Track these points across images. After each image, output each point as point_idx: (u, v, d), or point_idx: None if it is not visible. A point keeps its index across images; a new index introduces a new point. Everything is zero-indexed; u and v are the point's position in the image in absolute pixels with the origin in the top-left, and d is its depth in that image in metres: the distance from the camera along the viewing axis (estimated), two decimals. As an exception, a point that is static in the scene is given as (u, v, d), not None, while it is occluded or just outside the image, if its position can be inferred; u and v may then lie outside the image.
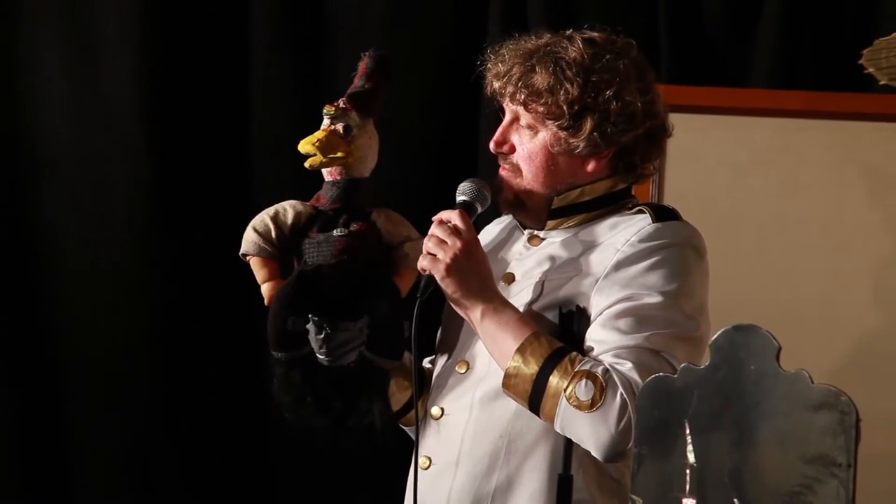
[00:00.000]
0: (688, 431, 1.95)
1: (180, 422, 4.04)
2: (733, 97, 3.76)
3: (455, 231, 2.54)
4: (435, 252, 2.53)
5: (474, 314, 2.54)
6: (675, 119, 3.69)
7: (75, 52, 4.04)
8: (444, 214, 2.57)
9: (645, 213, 2.61)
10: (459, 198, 2.62)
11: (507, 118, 2.66)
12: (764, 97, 3.77)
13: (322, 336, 2.53)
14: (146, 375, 4.02)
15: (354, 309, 2.55)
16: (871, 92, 3.64)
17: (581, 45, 2.60)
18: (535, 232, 2.69)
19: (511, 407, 2.56)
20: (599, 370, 2.44)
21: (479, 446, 2.59)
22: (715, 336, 1.95)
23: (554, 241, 2.66)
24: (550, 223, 2.67)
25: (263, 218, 2.60)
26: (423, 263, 2.54)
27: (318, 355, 2.55)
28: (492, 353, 2.55)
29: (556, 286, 2.59)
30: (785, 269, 3.71)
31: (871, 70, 3.11)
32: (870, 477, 2.33)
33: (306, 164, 2.58)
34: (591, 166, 2.63)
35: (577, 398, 2.43)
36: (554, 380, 2.45)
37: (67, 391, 4.05)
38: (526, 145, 2.63)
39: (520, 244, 2.71)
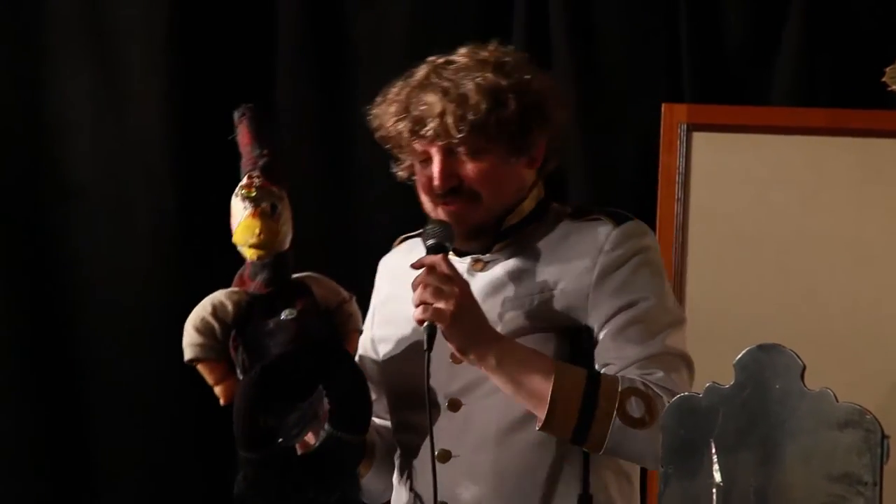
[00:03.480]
0: (714, 451, 1.96)
1: (205, 441, 4.05)
2: (755, 115, 3.77)
3: (448, 277, 2.46)
4: (433, 301, 2.44)
5: (488, 360, 2.47)
6: (698, 137, 3.73)
7: (101, 79, 4.06)
8: (428, 260, 2.49)
9: (602, 220, 2.60)
10: (430, 241, 2.53)
11: (441, 155, 2.55)
12: (786, 115, 3.77)
13: (276, 421, 2.45)
14: (171, 400, 4.02)
15: (307, 387, 2.46)
16: (894, 109, 3.65)
17: (479, 60, 2.57)
18: (479, 257, 2.62)
19: (530, 440, 2.52)
20: (640, 385, 2.45)
21: (508, 482, 2.54)
22: (740, 355, 1.96)
23: (501, 261, 2.61)
24: (498, 245, 2.62)
25: (202, 316, 2.50)
26: (422, 315, 2.44)
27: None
28: (516, 394, 2.48)
29: (532, 305, 2.56)
30: (808, 286, 3.71)
31: (893, 87, 3.12)
32: (896, 495, 2.34)
33: (253, 258, 2.47)
34: (533, 164, 2.61)
35: (631, 417, 2.43)
36: (601, 406, 2.44)
37: (93, 413, 4.06)
38: (477, 170, 2.55)
39: (462, 273, 2.58)
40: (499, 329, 2.53)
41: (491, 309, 2.56)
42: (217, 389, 2.50)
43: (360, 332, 2.61)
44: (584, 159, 3.97)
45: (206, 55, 4.05)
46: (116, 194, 4.05)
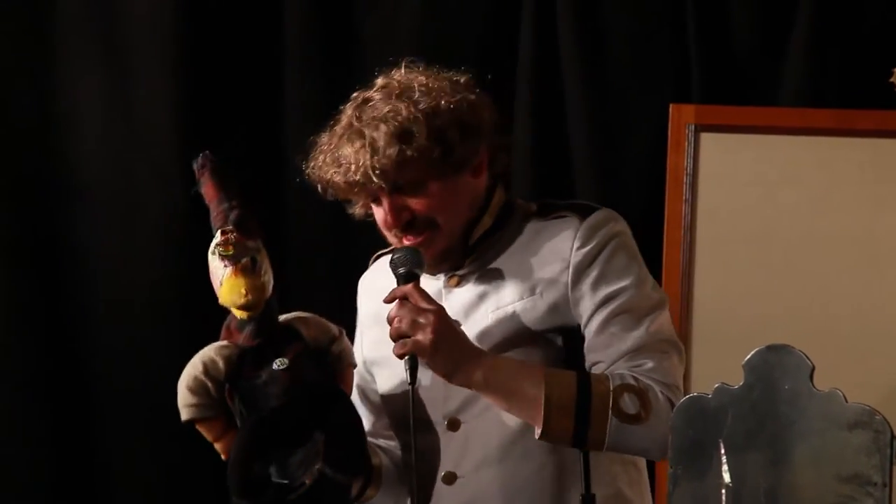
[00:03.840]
0: (723, 451, 1.96)
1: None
2: (763, 116, 3.76)
3: (422, 308, 2.45)
4: (411, 334, 2.43)
5: (475, 380, 2.46)
6: (706, 138, 3.73)
7: (110, 78, 4.06)
8: (399, 292, 2.48)
9: (567, 215, 2.60)
10: (399, 270, 2.53)
11: (384, 196, 2.56)
12: (794, 115, 3.77)
13: (280, 463, 2.44)
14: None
15: (305, 430, 2.45)
16: (902, 109, 3.65)
17: (388, 93, 2.58)
18: (454, 273, 2.62)
19: (537, 448, 2.52)
20: (630, 380, 2.45)
21: (523, 493, 2.55)
22: (749, 356, 1.96)
23: (475, 274, 2.62)
24: (468, 259, 2.62)
25: (194, 376, 2.49)
26: (401, 350, 2.44)
27: (275, 480, 2.45)
28: (510, 408, 2.49)
29: (514, 315, 2.56)
30: (816, 286, 3.71)
31: (901, 87, 3.12)
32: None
33: (243, 317, 2.46)
34: (480, 173, 2.61)
35: (626, 413, 2.43)
36: (595, 406, 2.44)
37: (100, 415, 4.06)
38: (426, 201, 2.56)
39: (437, 288, 2.61)
40: (484, 344, 2.53)
41: (473, 325, 2.57)
42: (217, 446, 2.50)
43: (355, 366, 2.59)
44: (591, 160, 3.97)
45: (214, 55, 4.05)
46: (125, 193, 4.05)
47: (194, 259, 3.98)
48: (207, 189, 2.54)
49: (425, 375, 2.53)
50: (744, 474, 1.95)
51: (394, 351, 2.45)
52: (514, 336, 2.55)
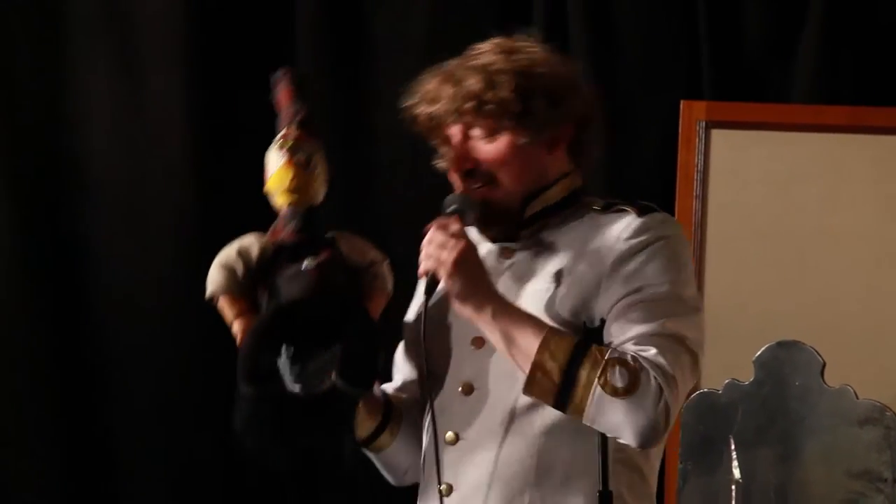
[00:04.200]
0: (733, 447, 1.96)
1: (226, 437, 4.05)
2: (775, 113, 3.76)
3: (456, 233, 2.49)
4: (438, 254, 2.47)
5: (484, 313, 2.48)
6: (717, 135, 3.72)
7: (120, 75, 4.06)
8: (441, 221, 2.52)
9: (628, 210, 2.61)
10: (448, 209, 2.56)
11: (459, 137, 2.60)
12: (806, 112, 3.77)
13: (297, 367, 2.47)
14: (192, 395, 4.04)
15: (325, 338, 2.48)
16: (914, 106, 3.65)
17: (491, 46, 2.61)
18: (507, 245, 2.64)
19: (536, 424, 2.51)
20: (629, 357, 2.43)
21: (509, 467, 2.53)
22: (759, 352, 1.96)
23: (529, 251, 2.62)
24: (524, 233, 2.64)
25: (229, 255, 2.54)
26: (426, 265, 2.48)
27: (291, 386, 2.48)
28: (507, 352, 2.48)
29: (558, 296, 2.55)
30: (827, 283, 3.70)
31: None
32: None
33: (284, 203, 2.51)
34: (557, 151, 2.61)
35: (613, 386, 2.42)
36: (584, 371, 2.43)
37: (113, 411, 4.06)
38: (491, 151, 2.58)
39: (490, 259, 2.63)
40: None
41: (514, 300, 2.58)
42: (234, 327, 2.52)
43: (388, 294, 2.59)
44: (602, 156, 3.96)
45: (224, 53, 4.06)
46: (136, 191, 4.05)
47: (204, 257, 4.01)
48: (282, 95, 2.58)
49: (453, 340, 2.58)
50: (754, 470, 1.96)
51: (419, 270, 2.50)
52: (549, 312, 2.54)
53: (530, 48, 2.63)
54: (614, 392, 2.42)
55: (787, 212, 3.73)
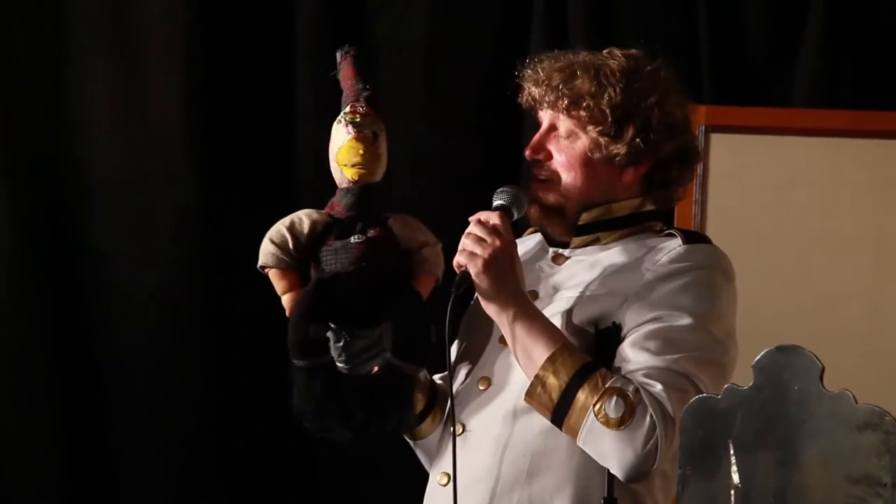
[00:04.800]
0: (732, 452, 1.96)
1: (229, 441, 4.07)
2: (775, 117, 3.77)
3: (494, 230, 2.51)
4: (473, 249, 2.50)
5: (506, 315, 2.51)
6: (717, 139, 3.73)
7: (121, 76, 4.07)
8: (483, 215, 2.55)
9: (676, 235, 2.61)
10: (497, 202, 2.59)
11: (545, 126, 2.65)
12: (806, 117, 3.77)
13: (341, 344, 2.50)
14: (193, 396, 4.04)
15: (373, 316, 2.51)
16: (914, 111, 3.65)
17: (621, 56, 2.63)
18: (560, 251, 2.68)
19: (535, 425, 2.53)
20: (630, 389, 2.42)
21: (501, 464, 2.56)
22: (758, 357, 1.96)
23: (580, 261, 2.64)
24: (576, 240, 2.65)
25: (279, 229, 2.56)
26: (459, 259, 2.51)
27: (337, 364, 2.52)
28: (518, 357, 2.52)
29: (584, 306, 2.57)
30: (827, 287, 3.71)
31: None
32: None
33: (353, 177, 2.53)
34: (627, 177, 2.63)
35: (606, 415, 2.42)
36: (582, 394, 2.44)
37: (114, 411, 4.07)
38: (565, 152, 2.62)
39: (544, 263, 2.69)
40: (561, 326, 2.55)
41: (549, 304, 2.59)
42: (284, 299, 2.54)
43: (437, 277, 2.59)
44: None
45: (226, 53, 4.07)
46: (138, 192, 4.07)
47: (206, 257, 4.04)
48: (345, 72, 2.62)
49: (486, 336, 2.62)
50: (753, 475, 1.95)
51: (454, 260, 2.52)
52: (580, 325, 2.56)
53: (654, 73, 2.63)
54: (606, 422, 2.42)
55: (786, 216, 3.73)
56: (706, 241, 2.65)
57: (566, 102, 2.59)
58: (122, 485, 4.08)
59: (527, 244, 2.75)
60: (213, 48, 4.06)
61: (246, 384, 4.03)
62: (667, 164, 2.65)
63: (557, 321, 2.56)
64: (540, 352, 2.48)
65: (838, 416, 1.89)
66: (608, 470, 2.47)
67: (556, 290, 2.63)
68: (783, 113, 3.81)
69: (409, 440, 2.80)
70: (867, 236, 3.70)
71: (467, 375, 2.67)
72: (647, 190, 2.66)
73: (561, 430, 2.47)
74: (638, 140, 2.58)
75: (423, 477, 2.73)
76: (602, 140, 2.59)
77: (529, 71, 2.66)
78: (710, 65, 3.92)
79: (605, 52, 2.66)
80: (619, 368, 2.49)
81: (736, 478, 1.95)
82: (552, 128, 2.64)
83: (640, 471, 2.42)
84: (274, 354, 4.00)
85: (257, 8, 4.09)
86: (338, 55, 2.64)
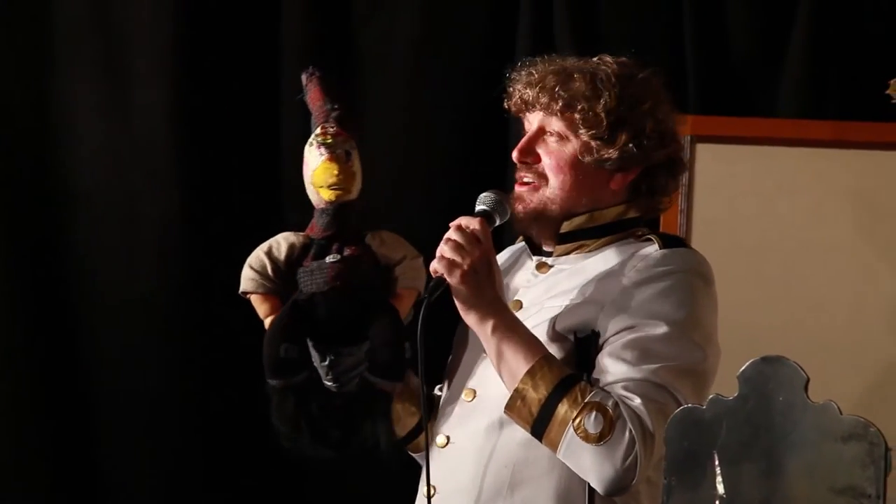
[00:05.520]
0: (717, 462, 1.96)
1: (214, 448, 4.06)
2: (760, 127, 3.77)
3: (474, 238, 2.49)
4: (452, 256, 2.48)
5: (485, 327, 2.50)
6: (702, 149, 3.73)
7: (107, 86, 4.06)
8: (464, 221, 2.53)
9: (652, 240, 2.61)
10: (479, 207, 2.58)
11: (534, 128, 2.64)
12: (791, 127, 3.78)
13: (327, 363, 2.51)
14: (179, 405, 4.03)
15: (354, 334, 2.52)
16: (898, 121, 3.66)
17: (613, 63, 2.63)
18: (544, 259, 2.67)
19: (517, 437, 2.53)
20: (609, 403, 2.41)
21: (483, 475, 2.56)
22: (743, 367, 1.96)
23: (563, 269, 2.64)
24: (560, 248, 2.65)
25: (258, 254, 2.59)
26: (436, 266, 2.49)
27: (325, 382, 2.53)
28: (498, 369, 2.51)
29: (566, 315, 2.57)
30: (812, 298, 3.71)
31: (897, 100, 3.12)
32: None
33: (331, 199, 2.54)
34: (615, 183, 2.62)
35: (586, 430, 2.41)
36: (562, 408, 2.43)
37: (100, 421, 4.06)
38: (554, 154, 2.61)
39: (527, 272, 2.69)
40: (543, 335, 2.55)
41: (532, 314, 2.58)
42: (266, 322, 2.57)
43: (418, 289, 2.59)
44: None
45: (211, 62, 4.06)
46: (122, 200, 4.06)
47: (191, 265, 4.03)
48: (313, 94, 2.63)
49: (473, 347, 2.62)
50: (738, 486, 1.95)
51: (430, 265, 2.51)
52: (562, 334, 2.56)
53: (647, 81, 2.63)
54: (585, 437, 2.41)
55: (771, 226, 3.73)
56: (683, 244, 2.65)
57: (560, 104, 2.58)
58: (106, 494, 4.07)
59: (512, 253, 2.75)
60: (198, 58, 4.06)
61: (231, 393, 4.02)
62: (655, 172, 2.65)
63: (541, 330, 2.55)
64: (519, 364, 2.47)
65: (823, 426, 1.89)
66: (588, 486, 2.47)
67: (540, 299, 2.63)
68: (769, 123, 3.81)
69: (410, 453, 2.80)
70: (852, 246, 3.71)
71: (455, 386, 2.67)
72: (633, 197, 2.66)
73: (541, 442, 2.47)
74: (630, 146, 2.58)
75: (414, 487, 2.74)
76: (594, 143, 2.58)
77: (522, 74, 2.66)
78: (695, 75, 3.93)
79: (595, 58, 2.66)
80: (597, 379, 2.48)
81: (721, 488, 1.95)
82: (542, 131, 2.63)
83: (620, 486, 2.42)
84: (259, 363, 4.02)
85: (243, 17, 4.09)
86: (303, 77, 2.64)
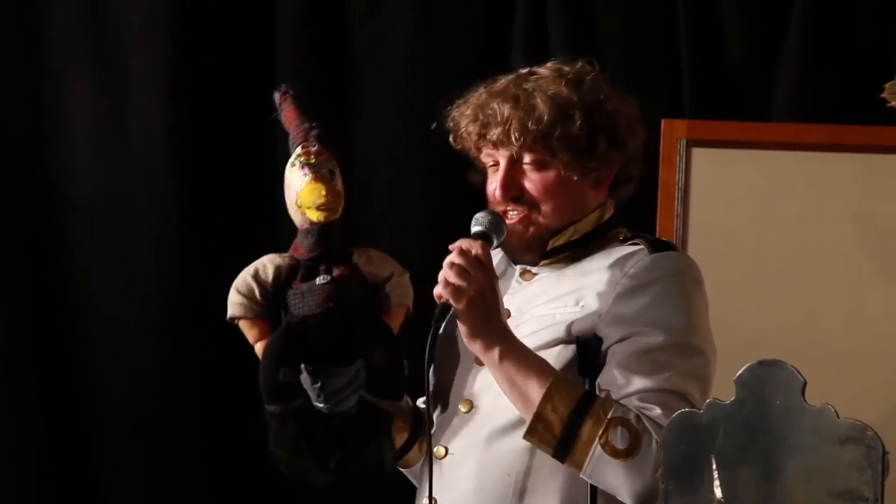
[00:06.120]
0: (714, 467, 1.96)
1: (210, 455, 4.05)
2: (756, 131, 3.77)
3: (478, 262, 2.46)
4: (457, 282, 2.44)
5: (491, 353, 2.47)
6: (697, 153, 3.73)
7: (103, 94, 4.06)
8: (465, 244, 2.49)
9: (640, 245, 2.60)
10: (475, 228, 2.55)
11: (505, 162, 2.59)
12: (786, 131, 3.78)
13: (318, 385, 2.50)
14: (174, 417, 4.03)
15: (347, 354, 2.51)
16: (894, 125, 3.65)
17: (559, 74, 2.60)
18: (528, 267, 2.66)
19: (518, 445, 2.51)
20: (632, 417, 2.41)
21: (485, 484, 2.55)
22: (740, 371, 1.96)
23: (547, 276, 2.63)
24: (544, 261, 2.64)
25: (244, 278, 2.56)
26: (441, 292, 2.46)
27: (316, 404, 2.51)
28: (509, 395, 2.49)
29: (558, 323, 2.56)
30: (808, 302, 3.71)
31: (893, 103, 3.12)
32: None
33: (319, 219, 2.51)
34: (598, 187, 2.62)
35: (613, 447, 2.40)
36: (586, 428, 2.41)
37: (95, 433, 4.06)
38: (539, 181, 2.58)
39: (510, 279, 2.66)
40: (526, 341, 2.53)
41: (524, 321, 2.57)
42: (256, 347, 2.55)
43: (407, 306, 2.58)
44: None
45: (206, 69, 4.06)
46: (118, 208, 4.06)
47: (187, 273, 4.02)
48: (288, 114, 2.62)
49: (461, 357, 2.60)
50: (735, 489, 1.95)
51: (434, 292, 2.47)
52: (549, 341, 2.55)
53: (595, 80, 2.61)
54: (614, 453, 2.40)
55: (767, 230, 3.73)
56: (671, 247, 2.65)
57: (534, 136, 2.54)
58: (101, 498, 4.06)
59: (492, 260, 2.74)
60: (194, 65, 4.05)
61: (228, 400, 4.02)
62: (630, 162, 2.65)
63: (537, 339, 2.55)
64: (533, 388, 2.45)
65: (820, 430, 1.89)
66: (590, 485, 2.46)
67: (528, 306, 2.62)
68: (764, 127, 3.81)
69: (400, 468, 2.79)
70: (848, 250, 3.71)
71: (448, 399, 2.65)
72: (610, 194, 2.66)
73: (563, 463, 2.45)
74: (609, 149, 2.58)
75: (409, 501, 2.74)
76: (576, 161, 2.57)
77: (468, 109, 2.61)
78: (691, 79, 3.93)
79: (524, 71, 2.63)
80: (608, 391, 2.47)
81: (718, 492, 1.95)
82: (514, 161, 2.59)
83: (651, 497, 2.41)
84: (255, 369, 4.02)
85: (238, 25, 4.08)
86: (276, 97, 2.64)
